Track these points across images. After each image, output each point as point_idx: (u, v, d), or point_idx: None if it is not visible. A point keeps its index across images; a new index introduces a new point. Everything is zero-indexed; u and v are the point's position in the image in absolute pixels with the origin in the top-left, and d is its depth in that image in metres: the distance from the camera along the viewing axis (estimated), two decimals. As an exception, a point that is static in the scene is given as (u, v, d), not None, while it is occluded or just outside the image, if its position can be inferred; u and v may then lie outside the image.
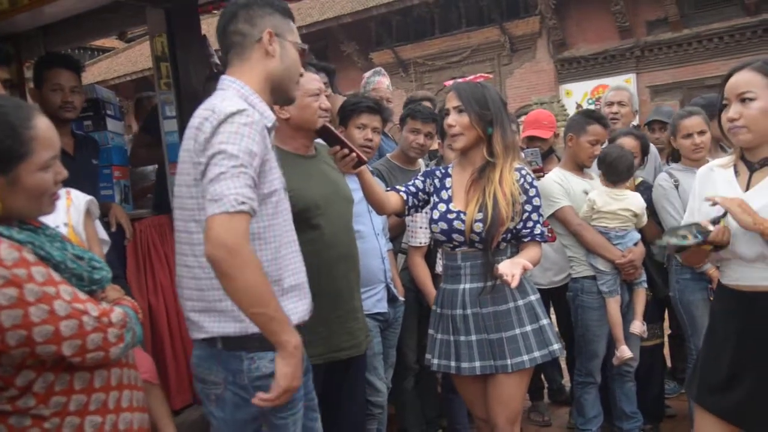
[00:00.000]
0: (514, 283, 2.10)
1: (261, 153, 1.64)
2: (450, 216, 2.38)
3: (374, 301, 2.80)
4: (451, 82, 2.46)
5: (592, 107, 11.56)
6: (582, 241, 3.19)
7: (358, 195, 2.71)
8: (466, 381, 2.46)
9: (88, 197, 2.28)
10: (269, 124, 1.76)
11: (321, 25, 13.61)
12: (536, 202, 2.38)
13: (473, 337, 2.35)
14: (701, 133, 3.15)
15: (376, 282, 2.81)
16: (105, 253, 2.35)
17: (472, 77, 2.44)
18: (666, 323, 3.78)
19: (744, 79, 2.02)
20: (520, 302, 2.35)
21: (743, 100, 2.01)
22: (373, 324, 2.77)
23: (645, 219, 3.22)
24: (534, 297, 2.39)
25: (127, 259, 3.26)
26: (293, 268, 1.80)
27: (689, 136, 3.17)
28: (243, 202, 1.53)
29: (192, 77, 3.37)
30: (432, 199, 2.49)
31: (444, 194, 2.45)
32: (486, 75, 2.49)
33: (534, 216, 2.37)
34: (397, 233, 3.22)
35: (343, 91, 4.02)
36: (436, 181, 2.50)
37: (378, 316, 2.83)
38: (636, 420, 3.33)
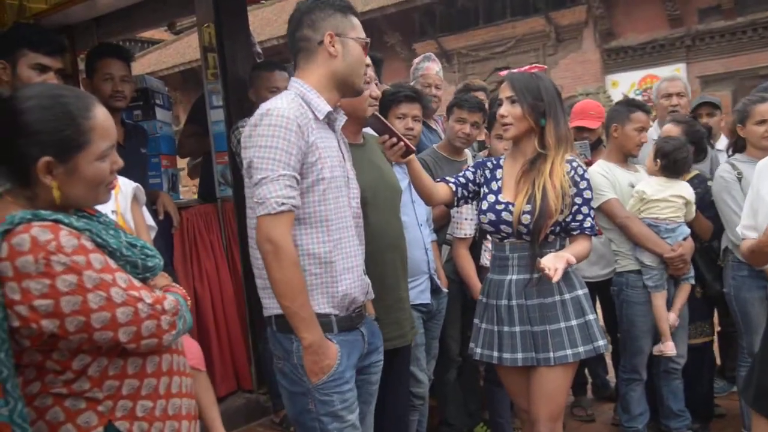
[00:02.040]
0: (555, 278, 2.09)
1: (301, 147, 1.80)
2: (498, 207, 2.36)
3: (417, 292, 2.79)
4: (505, 72, 2.43)
5: (639, 98, 11.33)
6: (629, 235, 3.10)
7: (401, 185, 2.70)
8: (509, 372, 2.44)
9: (135, 184, 2.32)
10: (321, 117, 1.89)
11: (364, 15, 13.51)
12: (587, 194, 2.33)
13: (517, 329, 2.33)
14: None
15: (419, 273, 2.80)
16: (152, 239, 2.39)
17: (527, 67, 2.41)
18: (715, 320, 3.68)
19: None
20: (567, 296, 2.31)
21: None
22: (416, 315, 2.75)
23: (693, 210, 3.13)
24: (581, 291, 2.35)
25: (174, 247, 3.32)
26: (348, 252, 1.92)
27: (763, 122, 3.01)
28: (283, 203, 1.75)
29: (239, 67, 3.42)
30: (482, 190, 2.47)
31: (494, 185, 2.43)
32: (541, 65, 2.45)
33: (584, 209, 2.32)
34: (442, 224, 3.20)
35: (386, 82, 4.00)
36: (487, 172, 2.48)
37: (421, 307, 2.81)
38: (684, 419, 3.25)
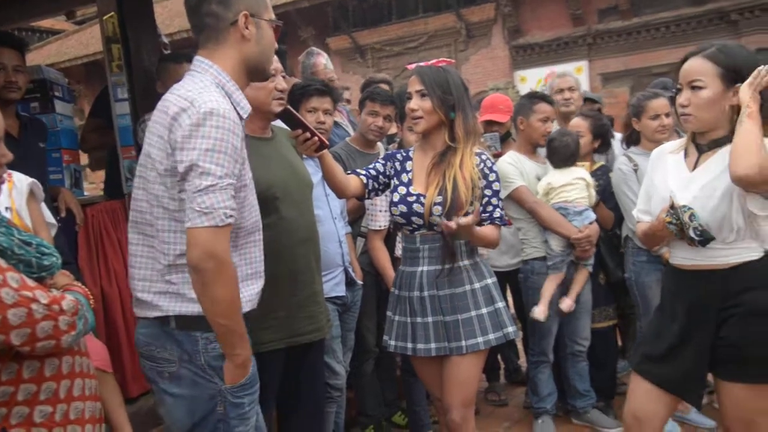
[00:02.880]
0: (453, 225, 2.14)
1: (240, 154, 1.66)
2: (410, 199, 2.39)
3: (332, 285, 2.79)
4: (413, 66, 2.45)
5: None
6: (538, 219, 3.23)
7: (315, 178, 2.69)
8: (423, 362, 2.48)
9: (30, 179, 2.21)
10: (245, 116, 1.76)
11: (278, 9, 13.36)
12: (495, 186, 2.41)
13: (429, 319, 2.37)
14: (668, 115, 3.19)
15: (333, 266, 2.81)
16: (53, 236, 2.29)
17: (434, 61, 2.45)
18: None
19: (695, 67, 2.06)
20: (477, 285, 2.37)
21: (693, 87, 2.05)
22: (331, 308, 2.75)
23: (594, 194, 3.29)
24: (491, 280, 2.42)
25: (78, 246, 3.18)
26: (251, 258, 1.82)
27: (657, 117, 3.21)
28: (230, 215, 1.60)
29: (144, 58, 3.30)
30: (392, 182, 2.49)
31: (404, 177, 2.46)
32: (448, 60, 2.50)
33: (493, 200, 2.40)
34: (356, 217, 3.21)
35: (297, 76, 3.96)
36: (397, 164, 2.51)
37: (336, 299, 2.82)
38: (589, 398, 3.43)
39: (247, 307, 1.77)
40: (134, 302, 1.76)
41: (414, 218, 2.37)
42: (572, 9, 12.15)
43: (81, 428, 1.52)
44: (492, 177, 2.40)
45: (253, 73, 1.82)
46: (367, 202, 3.11)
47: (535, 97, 3.42)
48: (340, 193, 2.46)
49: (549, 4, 12.38)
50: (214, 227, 1.56)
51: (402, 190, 2.43)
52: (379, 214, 3.10)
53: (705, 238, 2.01)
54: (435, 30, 13.56)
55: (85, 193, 4.07)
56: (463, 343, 2.33)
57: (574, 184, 3.23)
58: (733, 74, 2.00)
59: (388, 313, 2.53)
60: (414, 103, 2.36)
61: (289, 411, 2.55)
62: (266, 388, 2.00)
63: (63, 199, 3.01)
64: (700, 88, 2.03)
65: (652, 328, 2.33)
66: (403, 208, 2.39)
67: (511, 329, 2.40)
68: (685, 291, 2.16)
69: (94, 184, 9.64)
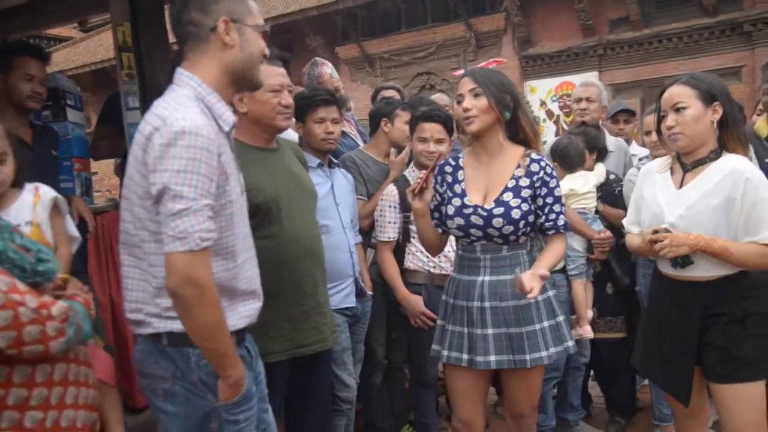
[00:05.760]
0: (532, 295, 2.09)
1: (217, 172, 1.60)
2: (466, 211, 2.31)
3: (342, 296, 2.78)
4: (460, 72, 2.40)
5: (555, 104, 11.77)
6: None
7: (323, 189, 2.68)
8: (464, 374, 2.38)
9: (55, 194, 2.24)
10: (227, 128, 1.70)
11: (286, 18, 13.38)
12: (557, 192, 2.33)
13: (489, 331, 2.28)
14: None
15: (344, 276, 2.79)
16: (74, 251, 2.33)
17: (484, 63, 2.40)
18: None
19: (676, 92, 2.27)
20: (540, 297, 2.28)
21: (677, 109, 2.24)
22: (341, 319, 2.74)
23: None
24: (551, 292, 2.37)
25: (88, 254, 3.18)
26: (249, 276, 1.77)
27: (648, 133, 3.35)
28: (207, 239, 1.55)
29: (156, 68, 3.30)
30: (446, 194, 2.41)
31: (457, 188, 2.37)
32: (499, 60, 2.47)
33: (556, 207, 2.32)
34: (370, 224, 3.18)
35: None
36: (448, 176, 2.43)
37: (346, 311, 2.81)
38: (580, 413, 3.51)
39: (243, 322, 1.74)
40: (128, 321, 1.74)
41: (473, 230, 2.29)
42: (583, 19, 12.14)
43: None
44: (553, 183, 2.31)
45: (239, 82, 1.75)
46: (376, 213, 3.09)
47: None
48: (435, 251, 2.59)
49: (559, 15, 12.36)
50: (189, 252, 1.51)
51: (456, 201, 2.34)
52: (388, 225, 3.07)
53: (684, 263, 2.21)
54: (444, 39, 13.57)
55: (95, 202, 4.07)
56: (527, 356, 2.26)
57: (592, 193, 3.32)
58: (709, 94, 2.22)
59: (440, 322, 2.44)
60: (467, 103, 2.27)
61: (295, 423, 2.53)
62: (271, 399, 1.98)
63: (75, 207, 3.01)
64: (684, 108, 2.23)
65: (643, 332, 2.49)
66: (460, 221, 2.31)
67: (570, 343, 2.36)
68: (672, 297, 2.32)
69: (99, 192, 9.67)
